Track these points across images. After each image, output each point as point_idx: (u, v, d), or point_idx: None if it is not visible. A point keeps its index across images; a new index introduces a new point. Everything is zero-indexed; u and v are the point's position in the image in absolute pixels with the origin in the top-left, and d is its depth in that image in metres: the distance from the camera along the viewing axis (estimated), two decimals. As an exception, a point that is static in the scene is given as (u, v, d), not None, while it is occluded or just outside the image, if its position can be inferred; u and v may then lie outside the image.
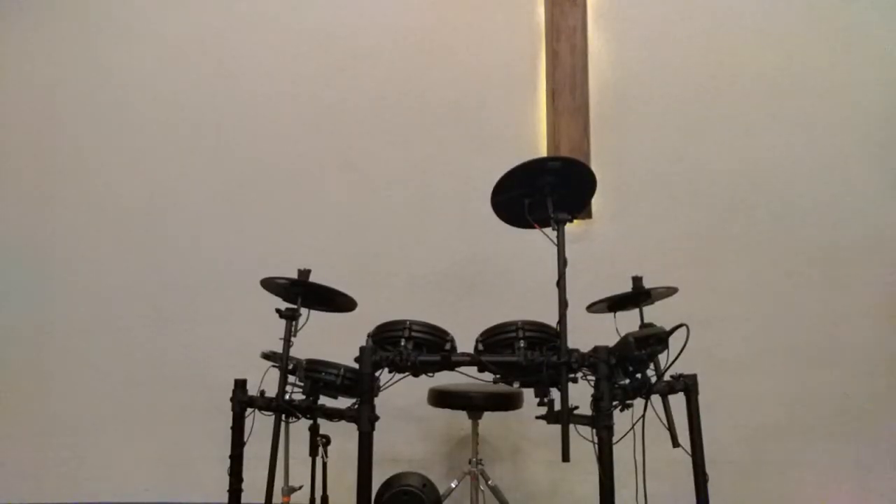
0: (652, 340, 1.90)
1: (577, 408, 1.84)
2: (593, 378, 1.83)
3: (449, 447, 2.89)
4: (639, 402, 1.96)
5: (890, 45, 3.06)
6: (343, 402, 2.02)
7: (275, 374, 2.02)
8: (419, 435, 2.83)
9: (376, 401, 1.88)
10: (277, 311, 2.05)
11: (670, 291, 2.21)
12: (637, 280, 2.18)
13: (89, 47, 3.11)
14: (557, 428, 1.77)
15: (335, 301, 2.14)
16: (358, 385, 1.88)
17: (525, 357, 1.84)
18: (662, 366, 1.94)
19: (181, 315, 3.01)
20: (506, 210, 2.03)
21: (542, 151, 2.98)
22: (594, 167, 2.26)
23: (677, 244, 3.00)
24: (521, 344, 1.88)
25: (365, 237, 3.01)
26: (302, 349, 2.07)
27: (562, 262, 1.85)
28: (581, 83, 3.02)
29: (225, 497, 2.10)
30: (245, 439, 2.10)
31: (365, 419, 1.84)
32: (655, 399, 1.98)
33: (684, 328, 1.86)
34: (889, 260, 2.99)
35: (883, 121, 3.04)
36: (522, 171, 1.95)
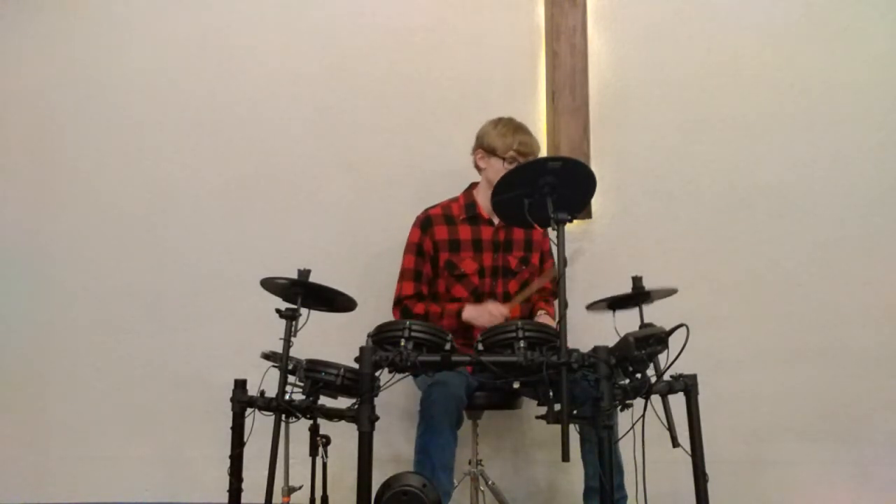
0: (652, 340, 1.90)
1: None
2: (593, 378, 1.83)
3: (449, 447, 2.89)
4: (639, 402, 1.96)
5: (890, 45, 3.06)
6: (343, 402, 2.02)
7: (275, 374, 2.01)
8: (419, 435, 2.82)
9: (376, 401, 1.88)
10: (277, 311, 2.04)
11: (670, 291, 2.21)
12: (637, 280, 2.18)
13: (88, 46, 3.10)
14: (557, 428, 1.77)
15: (335, 301, 2.14)
16: (358, 385, 1.88)
17: (525, 357, 1.84)
18: (662, 366, 1.95)
19: (181, 315, 3.00)
20: (506, 210, 2.03)
21: (543, 151, 2.98)
22: (594, 167, 2.25)
23: (677, 244, 3.00)
24: (521, 344, 1.87)
25: (365, 237, 3.01)
26: (302, 349, 2.07)
27: (562, 262, 1.85)
28: (581, 83, 3.02)
29: (225, 497, 2.10)
30: (245, 439, 2.10)
31: (365, 419, 1.84)
32: (655, 399, 1.98)
33: (684, 328, 1.87)
34: (889, 260, 2.99)
35: (883, 121, 3.04)
36: (522, 171, 1.95)
